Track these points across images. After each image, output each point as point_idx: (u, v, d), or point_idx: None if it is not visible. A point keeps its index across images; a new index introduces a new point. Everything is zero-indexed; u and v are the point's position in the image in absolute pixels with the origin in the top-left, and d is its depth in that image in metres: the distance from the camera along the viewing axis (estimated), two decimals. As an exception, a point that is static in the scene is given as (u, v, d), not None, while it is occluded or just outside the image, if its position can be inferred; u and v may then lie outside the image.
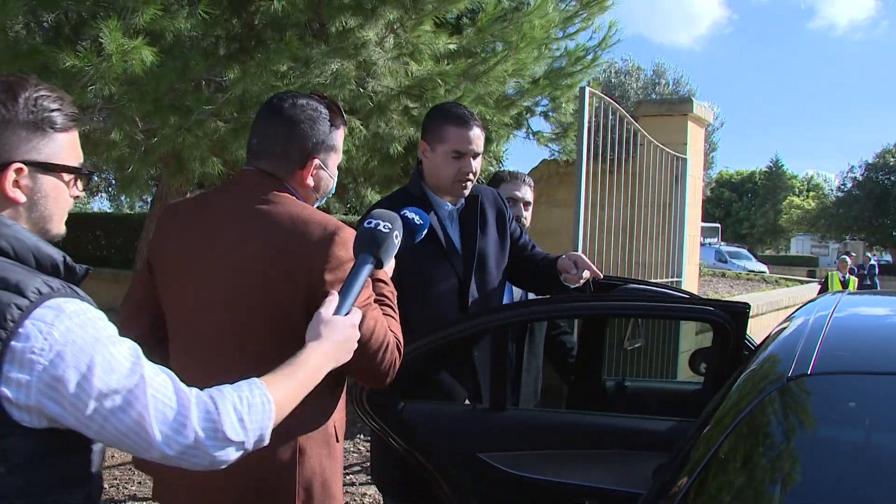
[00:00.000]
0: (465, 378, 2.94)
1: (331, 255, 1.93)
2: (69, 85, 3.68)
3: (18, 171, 1.42)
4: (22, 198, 1.43)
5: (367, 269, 1.84)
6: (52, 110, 1.45)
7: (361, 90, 5.08)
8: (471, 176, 2.90)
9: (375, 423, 2.82)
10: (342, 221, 2.06)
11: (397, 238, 1.93)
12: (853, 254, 21.19)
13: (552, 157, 9.24)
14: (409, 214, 2.27)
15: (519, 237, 3.19)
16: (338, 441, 2.13)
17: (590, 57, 6.73)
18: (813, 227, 52.92)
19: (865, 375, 1.87)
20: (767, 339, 2.39)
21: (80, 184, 1.54)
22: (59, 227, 1.51)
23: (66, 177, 1.50)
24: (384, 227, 1.90)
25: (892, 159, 48.03)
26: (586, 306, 3.12)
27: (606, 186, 6.20)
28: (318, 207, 2.16)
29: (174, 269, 2.10)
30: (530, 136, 7.55)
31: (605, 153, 5.96)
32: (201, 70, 4.13)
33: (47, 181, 1.46)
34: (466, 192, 2.96)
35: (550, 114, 7.72)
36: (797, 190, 62.73)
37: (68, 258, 1.46)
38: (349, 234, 1.97)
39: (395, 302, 2.15)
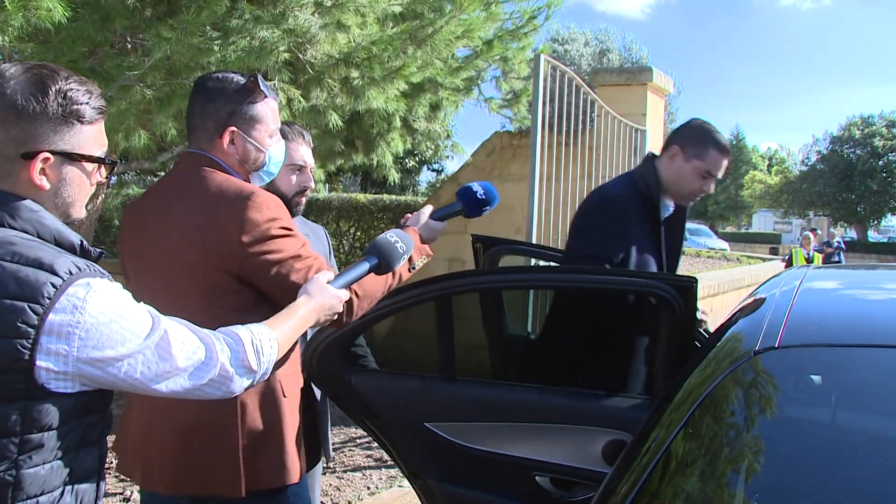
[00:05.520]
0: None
1: (245, 218, 2.15)
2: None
3: (45, 160, 1.61)
4: (47, 185, 1.63)
5: (368, 265, 2.22)
6: (81, 104, 1.64)
7: (300, 57, 5.01)
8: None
9: (326, 390, 3.03)
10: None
11: (403, 260, 2.30)
12: (818, 230, 21.61)
13: (503, 129, 9.25)
14: (477, 189, 2.63)
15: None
16: (285, 396, 2.32)
17: (542, 16, 6.74)
18: (775, 202, 53.92)
19: (835, 348, 1.90)
20: (733, 315, 2.42)
21: (102, 171, 1.74)
22: (80, 212, 1.73)
23: (90, 165, 1.70)
24: (400, 247, 2.27)
25: (857, 132, 48.68)
26: (524, 278, 3.15)
27: (562, 159, 6.23)
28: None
29: (131, 255, 2.36)
30: (481, 102, 7.54)
31: (560, 124, 5.99)
32: (124, 26, 3.99)
33: (72, 170, 1.66)
34: (690, 204, 3.43)
35: (501, 79, 7.72)
36: (759, 165, 63.87)
37: (84, 241, 1.68)
38: (265, 198, 2.20)
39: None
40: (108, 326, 1.54)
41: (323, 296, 2.06)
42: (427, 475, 2.90)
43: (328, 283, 2.10)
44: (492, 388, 3.02)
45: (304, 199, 3.12)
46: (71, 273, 1.53)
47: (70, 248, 1.63)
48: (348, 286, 2.18)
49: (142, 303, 1.66)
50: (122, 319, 1.56)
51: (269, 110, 2.36)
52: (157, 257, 2.24)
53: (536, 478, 2.77)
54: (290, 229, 2.24)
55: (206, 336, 1.71)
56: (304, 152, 3.08)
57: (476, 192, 2.60)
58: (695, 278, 2.72)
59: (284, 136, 3.07)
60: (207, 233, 2.15)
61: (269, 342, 1.81)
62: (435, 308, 2.90)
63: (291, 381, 2.37)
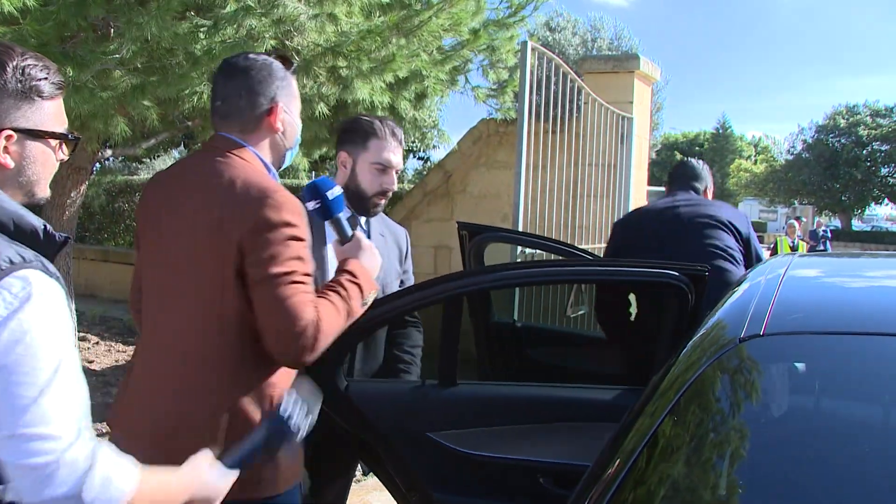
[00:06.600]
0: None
1: (259, 216, 2.10)
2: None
3: (8, 137, 1.58)
4: (11, 163, 1.59)
5: (261, 436, 1.87)
6: (40, 79, 1.61)
7: (286, 44, 4.97)
8: None
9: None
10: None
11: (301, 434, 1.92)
12: (803, 219, 21.66)
13: (490, 116, 9.22)
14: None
15: None
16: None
17: (530, 6, 6.72)
18: (761, 191, 54.09)
19: (820, 335, 1.91)
20: (718, 303, 2.43)
21: (65, 148, 1.71)
22: (44, 191, 1.69)
23: (53, 142, 1.67)
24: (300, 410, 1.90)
25: (842, 121, 48.83)
26: (539, 272, 3.12)
27: (549, 147, 6.23)
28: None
29: (148, 234, 2.34)
30: (468, 91, 7.51)
31: (547, 112, 5.98)
32: (100, 12, 3.90)
33: (35, 147, 1.63)
34: None
35: (489, 68, 7.70)
36: (745, 153, 64.06)
37: (48, 226, 1.61)
38: (284, 199, 2.14)
39: (353, 298, 2.27)
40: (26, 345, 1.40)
41: (199, 482, 1.73)
42: (431, 487, 2.77)
43: (214, 464, 1.80)
44: (496, 389, 2.99)
45: (383, 201, 2.96)
46: (12, 262, 1.45)
47: (32, 233, 1.56)
48: (242, 463, 1.84)
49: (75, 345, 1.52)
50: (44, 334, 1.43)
51: (296, 84, 2.40)
52: (177, 238, 2.21)
53: (540, 480, 2.73)
54: (301, 239, 2.14)
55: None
56: (394, 152, 2.92)
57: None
58: (707, 267, 2.72)
59: (374, 132, 2.92)
60: (224, 223, 2.11)
61: (123, 482, 1.50)
62: (444, 310, 2.78)
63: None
